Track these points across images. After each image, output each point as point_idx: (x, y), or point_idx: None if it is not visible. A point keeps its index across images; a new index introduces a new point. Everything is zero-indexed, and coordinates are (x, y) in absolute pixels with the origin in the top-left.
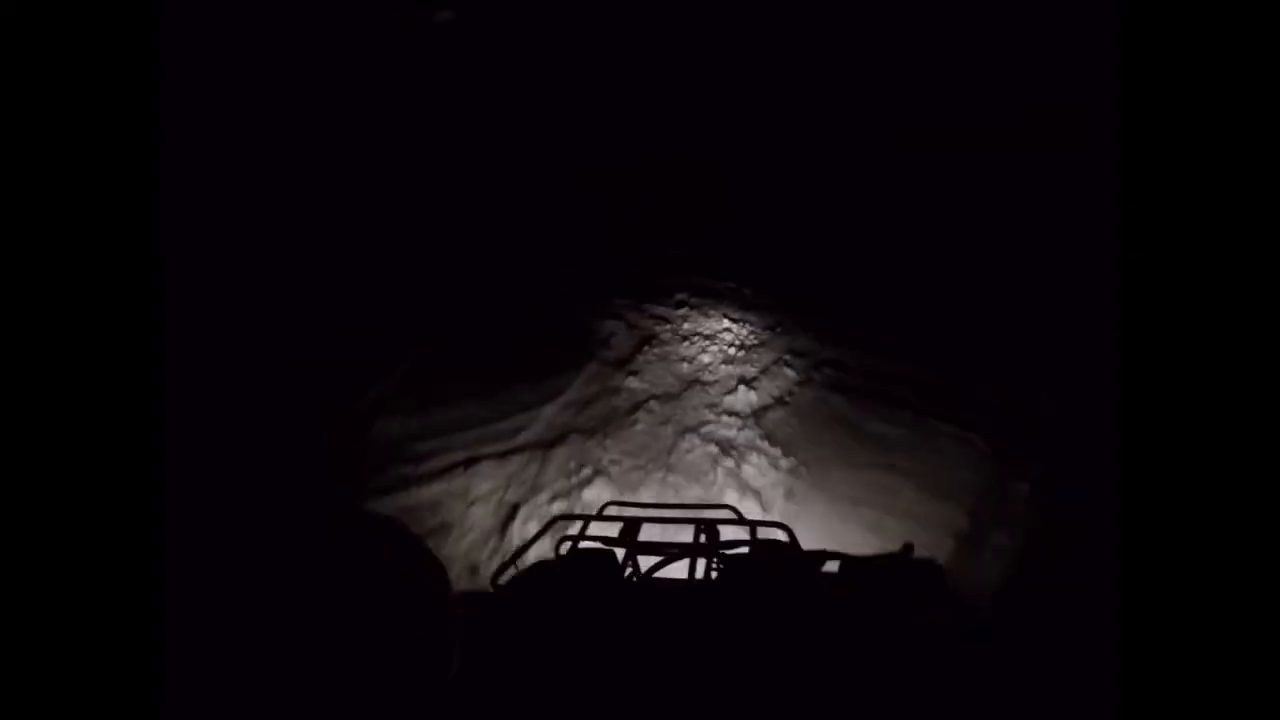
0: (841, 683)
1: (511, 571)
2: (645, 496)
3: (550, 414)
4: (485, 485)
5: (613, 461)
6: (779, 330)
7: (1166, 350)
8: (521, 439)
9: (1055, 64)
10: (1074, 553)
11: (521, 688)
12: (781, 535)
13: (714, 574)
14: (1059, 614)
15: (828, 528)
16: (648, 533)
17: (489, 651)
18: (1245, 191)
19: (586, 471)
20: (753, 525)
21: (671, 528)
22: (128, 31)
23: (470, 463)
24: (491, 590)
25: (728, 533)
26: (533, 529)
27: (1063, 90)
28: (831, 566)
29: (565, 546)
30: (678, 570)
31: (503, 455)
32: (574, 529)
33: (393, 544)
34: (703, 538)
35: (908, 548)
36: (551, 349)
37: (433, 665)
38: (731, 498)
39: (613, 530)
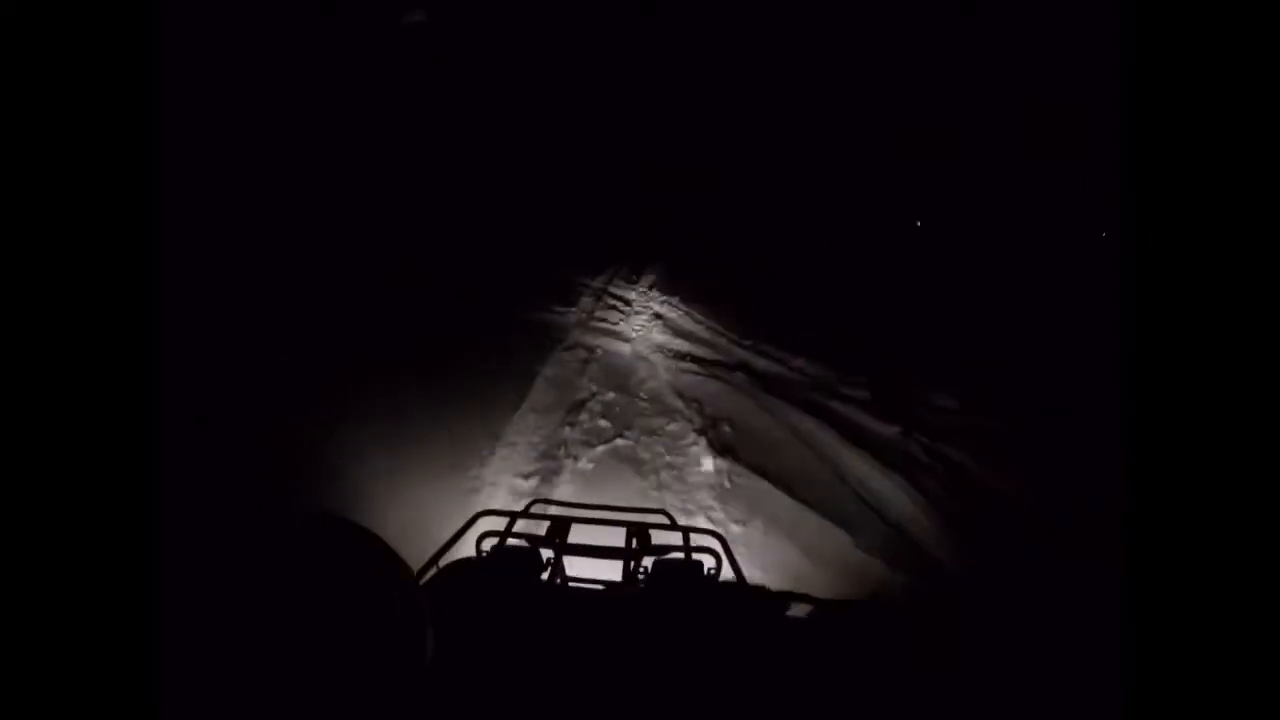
0: (757, 698)
1: (434, 570)
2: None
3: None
4: None
5: None
6: None
7: (1166, 349)
8: None
9: (1055, 64)
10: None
11: (441, 692)
12: (714, 543)
13: (641, 580)
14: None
15: None
16: (576, 534)
17: (406, 652)
18: (1248, 193)
19: None
20: (685, 531)
21: (604, 530)
22: (126, 36)
23: None
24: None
25: (660, 538)
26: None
27: (1062, 90)
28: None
29: (490, 543)
30: (610, 573)
31: None
32: (500, 525)
33: (355, 541)
34: (634, 542)
35: (874, 597)
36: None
37: (409, 654)
38: None
39: (541, 528)
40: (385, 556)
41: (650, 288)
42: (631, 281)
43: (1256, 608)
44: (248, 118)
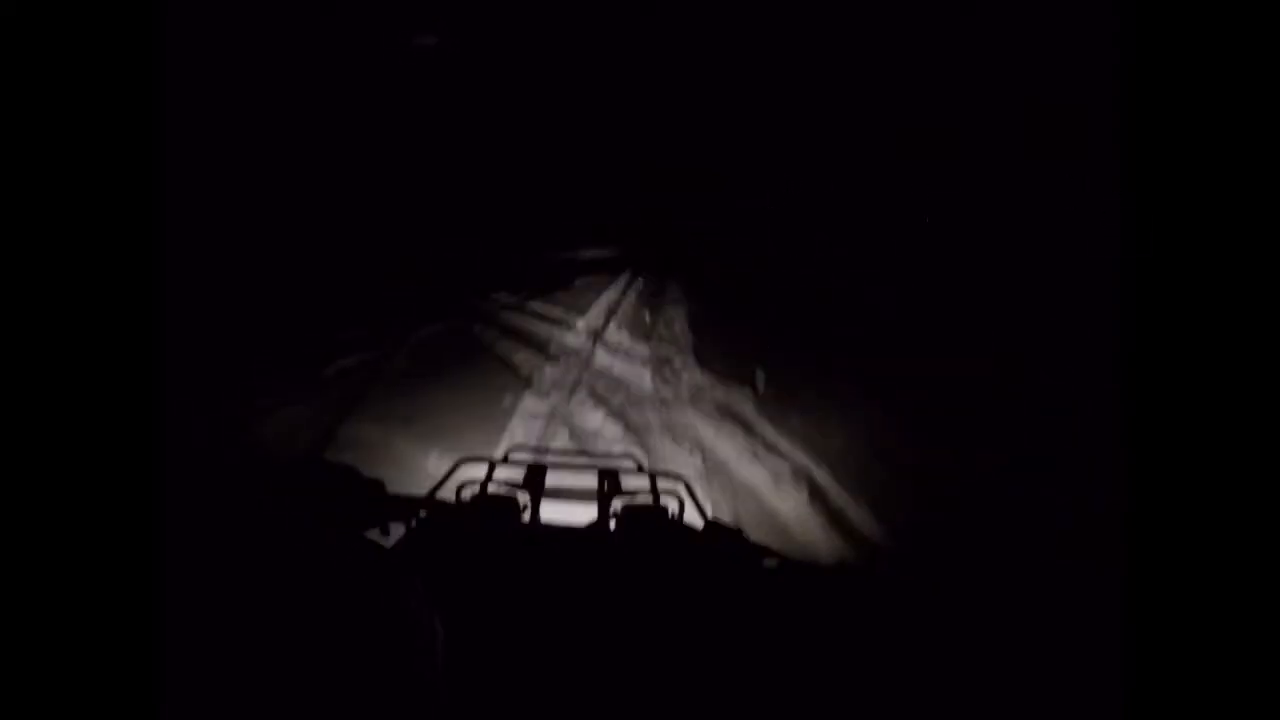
0: (719, 631)
1: (420, 514)
2: None
3: None
4: None
5: None
6: None
7: (1166, 349)
8: None
9: (1056, 64)
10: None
11: (419, 634)
12: (679, 487)
13: (612, 522)
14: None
15: None
16: (551, 479)
17: (390, 598)
18: (1248, 193)
19: None
20: (652, 475)
21: (577, 475)
22: (126, 38)
23: None
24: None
25: (629, 483)
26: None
27: (1063, 90)
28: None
29: (470, 491)
30: (581, 518)
31: None
32: (480, 472)
33: (358, 541)
34: (606, 486)
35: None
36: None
37: (422, 636)
38: None
39: (518, 475)
40: (385, 554)
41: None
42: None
43: (1256, 608)
44: (250, 120)
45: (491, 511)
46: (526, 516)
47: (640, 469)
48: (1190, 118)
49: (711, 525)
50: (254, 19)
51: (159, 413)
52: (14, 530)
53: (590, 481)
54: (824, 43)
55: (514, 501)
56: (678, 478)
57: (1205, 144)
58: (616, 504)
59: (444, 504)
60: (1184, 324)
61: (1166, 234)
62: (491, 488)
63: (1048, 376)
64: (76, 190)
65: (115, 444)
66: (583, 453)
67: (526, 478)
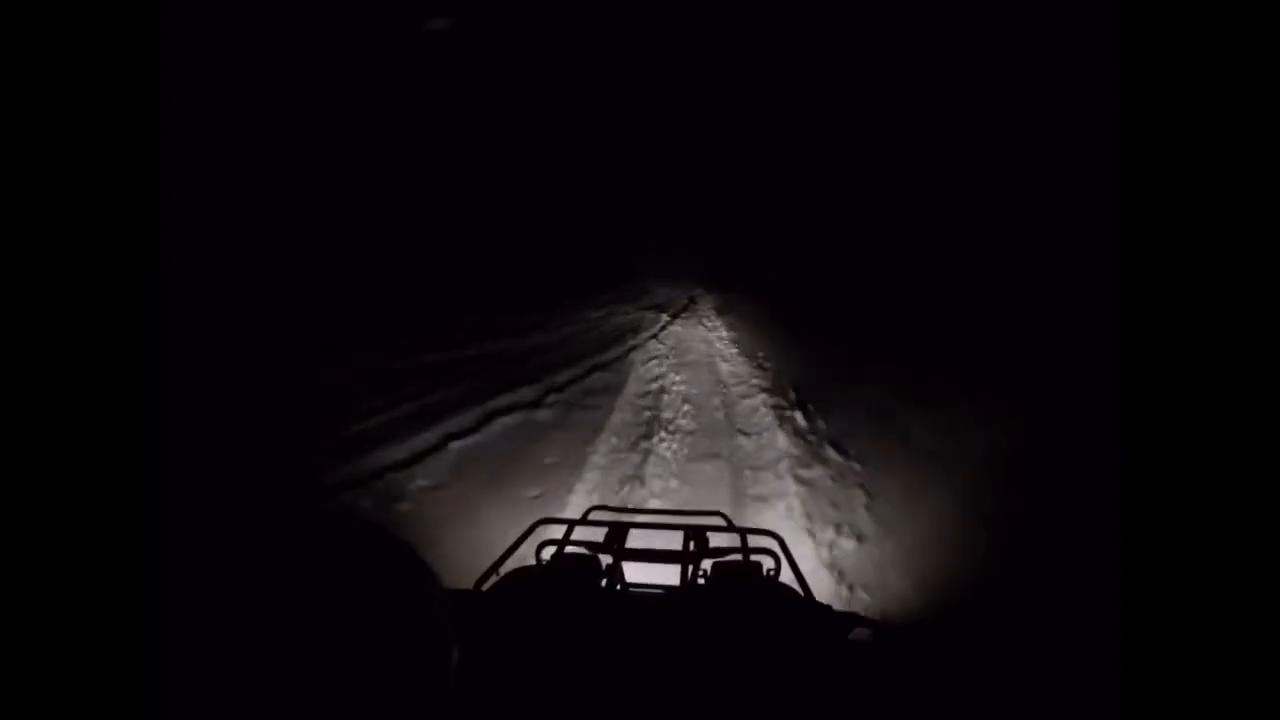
0: (812, 702)
1: (495, 578)
2: None
3: None
4: None
5: None
6: None
7: (1166, 349)
8: None
9: (1055, 64)
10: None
11: (500, 698)
12: (772, 543)
13: (701, 582)
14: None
15: None
16: (635, 539)
17: (469, 661)
18: (1247, 193)
19: None
20: (743, 533)
21: (661, 534)
22: (127, 36)
23: None
24: (474, 596)
25: (718, 541)
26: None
27: (1062, 90)
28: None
29: (549, 551)
30: (669, 577)
31: None
32: (558, 533)
33: (381, 549)
34: (692, 545)
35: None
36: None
37: (432, 663)
38: None
39: (598, 535)
40: (409, 565)
41: None
42: None
43: (1255, 608)
44: (254, 121)
45: (571, 572)
46: (608, 579)
47: (730, 526)
48: (1190, 117)
49: (807, 584)
50: (272, 25)
51: (160, 419)
52: (14, 530)
53: (676, 541)
54: (825, 42)
55: (595, 561)
56: (771, 534)
57: (1204, 144)
58: (705, 564)
59: (521, 567)
60: (1184, 323)
61: (1165, 234)
62: (571, 549)
63: (1048, 377)
64: (77, 190)
65: (117, 445)
66: (667, 511)
67: (608, 537)
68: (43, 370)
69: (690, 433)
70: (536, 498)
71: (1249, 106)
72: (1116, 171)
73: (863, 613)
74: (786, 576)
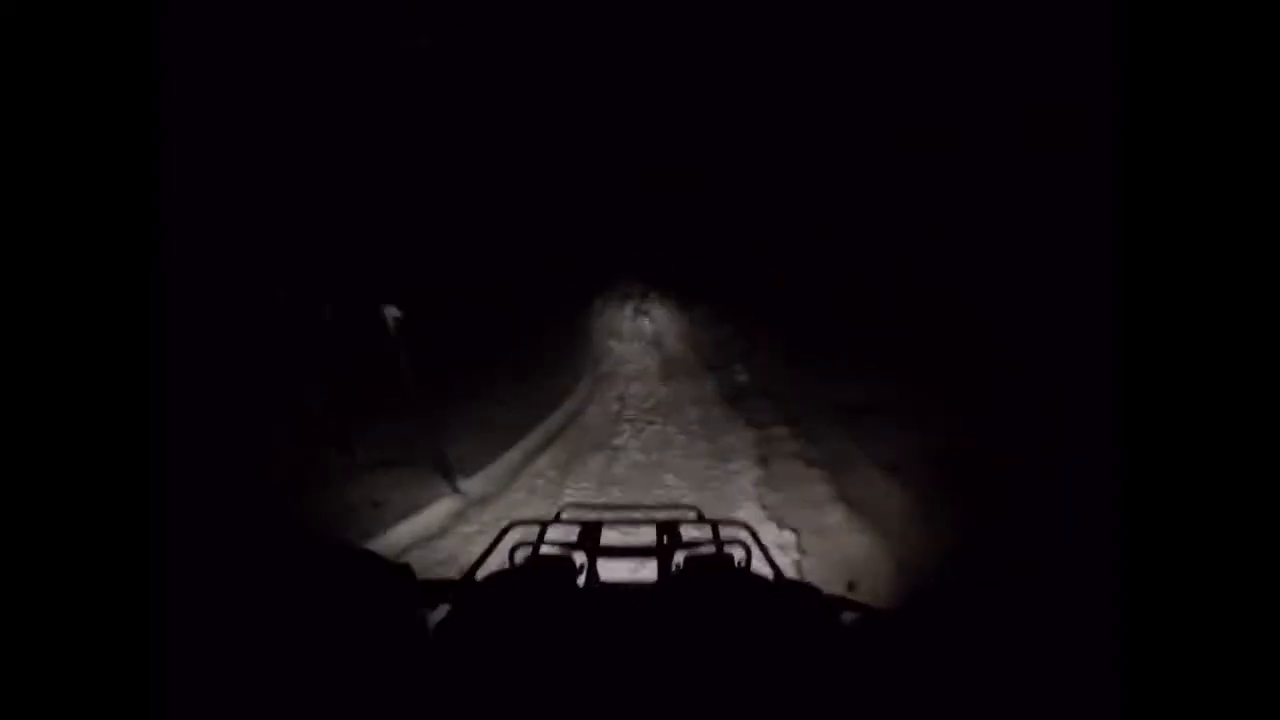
0: (797, 688)
1: (471, 585)
2: None
3: None
4: None
5: None
6: None
7: (1166, 349)
8: None
9: (1055, 64)
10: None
11: (484, 705)
12: (744, 534)
13: (676, 574)
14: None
15: None
16: (608, 536)
17: (449, 667)
18: (1247, 193)
19: None
20: (714, 524)
21: (633, 529)
22: (126, 35)
23: None
24: (449, 603)
25: (690, 533)
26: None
27: (1062, 90)
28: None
29: (523, 553)
30: (645, 573)
31: None
32: (532, 535)
33: (360, 554)
34: (665, 539)
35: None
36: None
37: (411, 660)
38: None
39: (572, 534)
40: (388, 568)
41: None
42: None
43: (1254, 608)
44: (254, 121)
45: (547, 573)
46: (584, 577)
47: (701, 518)
48: (1190, 117)
49: (780, 574)
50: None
51: (160, 419)
52: (14, 531)
53: (649, 536)
54: (825, 42)
55: (570, 561)
56: (742, 524)
57: (1204, 143)
58: (679, 556)
59: (496, 571)
60: (1183, 323)
61: (1165, 234)
62: (545, 549)
63: (1048, 377)
64: (76, 189)
65: (117, 446)
66: (639, 506)
67: (581, 536)
68: (43, 370)
69: None
70: None
71: (1249, 106)
72: (1116, 172)
73: (849, 596)
74: (758, 566)
